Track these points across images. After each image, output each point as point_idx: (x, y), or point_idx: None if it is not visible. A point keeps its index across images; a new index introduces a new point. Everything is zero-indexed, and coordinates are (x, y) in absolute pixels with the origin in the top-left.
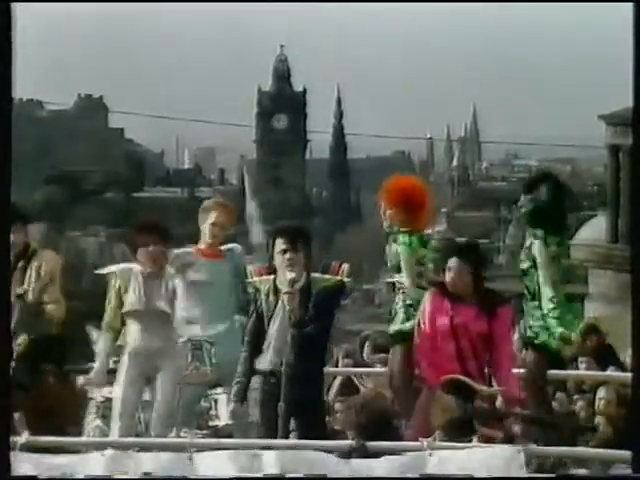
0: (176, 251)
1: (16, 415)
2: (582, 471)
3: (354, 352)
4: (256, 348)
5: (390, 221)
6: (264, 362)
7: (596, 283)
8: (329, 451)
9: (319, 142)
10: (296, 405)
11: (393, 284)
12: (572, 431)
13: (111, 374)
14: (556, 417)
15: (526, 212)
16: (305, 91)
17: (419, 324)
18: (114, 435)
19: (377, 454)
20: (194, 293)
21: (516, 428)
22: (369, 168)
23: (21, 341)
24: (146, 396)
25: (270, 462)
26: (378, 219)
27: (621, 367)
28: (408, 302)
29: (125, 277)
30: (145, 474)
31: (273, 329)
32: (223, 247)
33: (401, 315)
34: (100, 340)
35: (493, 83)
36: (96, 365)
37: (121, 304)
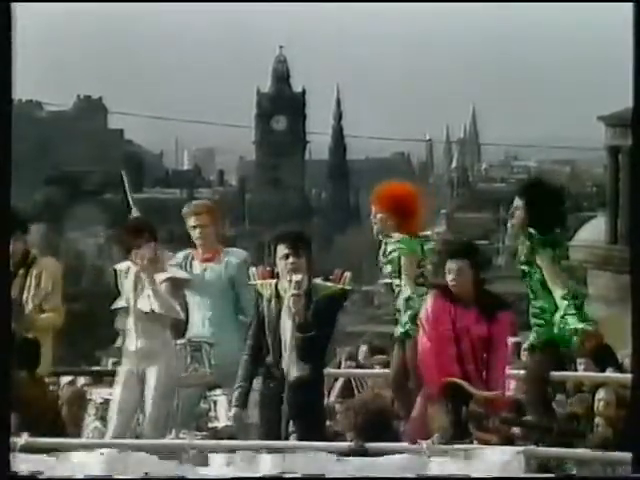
0: (176, 255)
1: None
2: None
3: (356, 355)
4: (257, 352)
5: (381, 226)
6: (265, 366)
7: (595, 284)
8: (329, 452)
9: (318, 143)
10: (296, 408)
11: (391, 285)
12: (570, 435)
13: (111, 376)
14: (554, 420)
15: (521, 217)
16: (304, 92)
17: (421, 326)
18: (109, 435)
19: (376, 455)
20: (192, 295)
21: (516, 430)
22: (368, 169)
23: None
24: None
25: (269, 461)
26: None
27: (619, 368)
28: (409, 305)
29: (122, 275)
30: (145, 474)
31: (275, 333)
32: (224, 249)
33: (403, 318)
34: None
35: (493, 83)
36: None
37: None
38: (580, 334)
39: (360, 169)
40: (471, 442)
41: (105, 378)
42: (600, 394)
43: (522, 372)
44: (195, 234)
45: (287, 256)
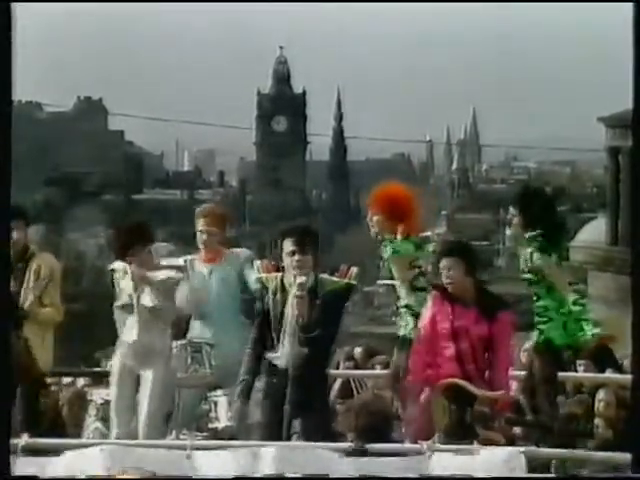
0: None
1: None
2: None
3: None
4: (261, 346)
5: (377, 228)
6: (269, 362)
7: (595, 285)
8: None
9: (319, 144)
10: (301, 407)
11: (393, 286)
12: (571, 436)
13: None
14: (556, 421)
15: (518, 225)
16: (305, 93)
17: (420, 326)
18: (113, 435)
19: (377, 456)
20: (193, 296)
21: (517, 430)
22: (369, 170)
23: None
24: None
25: (270, 459)
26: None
27: (619, 369)
28: (406, 306)
29: (120, 273)
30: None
31: (279, 329)
32: (229, 250)
33: (405, 319)
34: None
35: (493, 84)
36: None
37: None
38: (596, 339)
39: (360, 170)
40: (471, 442)
41: (105, 379)
42: (600, 395)
43: (523, 373)
44: (202, 237)
45: (293, 253)
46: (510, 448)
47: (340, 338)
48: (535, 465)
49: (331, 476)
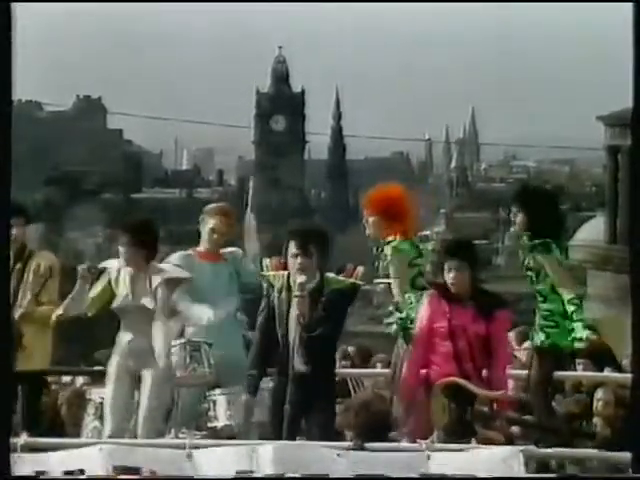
0: (174, 256)
1: None
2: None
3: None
4: (267, 343)
5: (373, 229)
6: (273, 362)
7: (594, 284)
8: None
9: (317, 143)
10: (301, 407)
11: (389, 286)
12: (569, 435)
13: None
14: (555, 420)
15: (520, 223)
16: (303, 92)
17: (417, 325)
18: (106, 433)
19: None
20: (192, 295)
21: (515, 429)
22: (367, 169)
23: None
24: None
25: (269, 457)
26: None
27: (618, 368)
28: (402, 305)
29: (114, 273)
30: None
31: (284, 325)
32: (224, 250)
33: (398, 319)
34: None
35: (492, 83)
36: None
37: (105, 296)
38: (585, 341)
39: (359, 169)
40: (469, 442)
41: (104, 378)
42: (599, 394)
43: (521, 372)
44: (210, 236)
45: (296, 255)
46: (509, 447)
47: (340, 337)
48: (535, 465)
49: (331, 476)
